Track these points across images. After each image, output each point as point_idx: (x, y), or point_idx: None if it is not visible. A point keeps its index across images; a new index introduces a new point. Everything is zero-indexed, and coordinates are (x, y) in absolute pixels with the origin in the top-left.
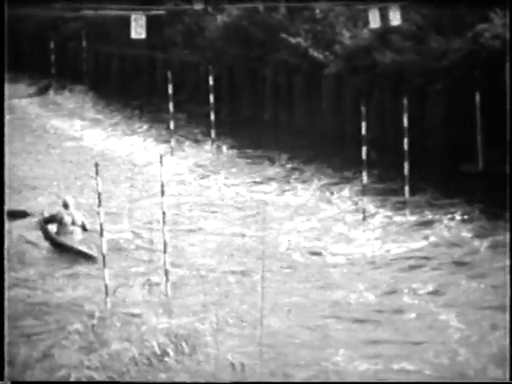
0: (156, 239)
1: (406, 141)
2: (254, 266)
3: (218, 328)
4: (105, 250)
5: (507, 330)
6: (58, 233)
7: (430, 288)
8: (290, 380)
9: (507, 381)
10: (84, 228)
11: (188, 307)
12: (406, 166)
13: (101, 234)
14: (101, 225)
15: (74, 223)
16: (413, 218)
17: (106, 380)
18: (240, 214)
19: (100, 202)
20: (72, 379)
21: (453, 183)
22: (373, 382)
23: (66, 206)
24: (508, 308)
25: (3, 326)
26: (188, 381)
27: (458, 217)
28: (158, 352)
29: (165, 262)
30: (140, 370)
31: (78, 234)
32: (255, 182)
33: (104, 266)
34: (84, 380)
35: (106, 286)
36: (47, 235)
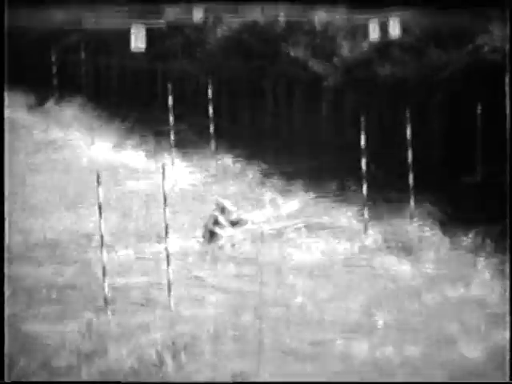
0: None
1: (409, 152)
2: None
3: None
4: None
5: (507, 330)
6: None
7: None
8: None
9: (507, 381)
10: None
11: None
12: (411, 177)
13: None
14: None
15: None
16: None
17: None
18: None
19: (101, 213)
20: None
21: (451, 193)
22: (372, 382)
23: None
24: (508, 307)
25: (3, 326)
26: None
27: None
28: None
29: (168, 273)
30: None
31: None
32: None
33: (104, 277)
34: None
35: (106, 298)
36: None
